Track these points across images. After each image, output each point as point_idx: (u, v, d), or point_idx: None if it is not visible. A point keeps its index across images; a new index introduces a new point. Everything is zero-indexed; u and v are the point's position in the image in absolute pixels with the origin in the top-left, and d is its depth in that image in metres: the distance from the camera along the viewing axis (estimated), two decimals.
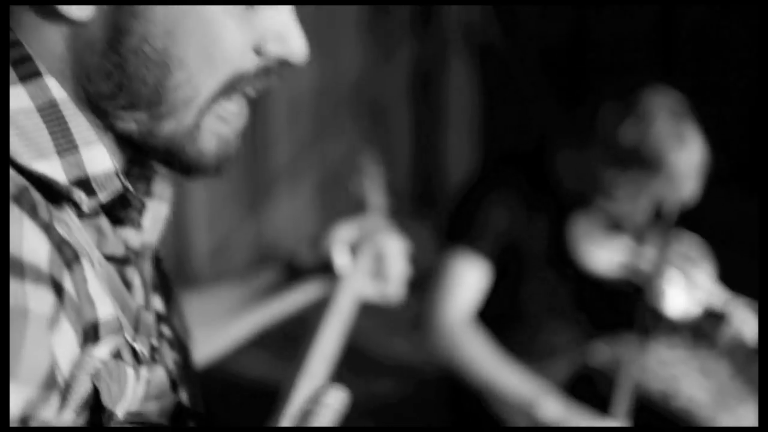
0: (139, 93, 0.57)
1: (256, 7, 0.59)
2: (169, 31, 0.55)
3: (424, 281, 1.63)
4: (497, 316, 1.75)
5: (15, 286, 0.46)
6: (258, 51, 0.61)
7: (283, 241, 3.92)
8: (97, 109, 0.58)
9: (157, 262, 0.72)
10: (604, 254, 1.74)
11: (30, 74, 0.55)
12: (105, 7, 0.55)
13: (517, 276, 1.74)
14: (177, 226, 3.62)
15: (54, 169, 0.55)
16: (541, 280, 1.75)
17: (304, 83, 4.00)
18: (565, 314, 1.78)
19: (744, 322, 1.67)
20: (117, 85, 0.57)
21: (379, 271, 1.08)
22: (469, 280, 1.67)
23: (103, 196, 0.58)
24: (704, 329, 1.72)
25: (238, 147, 0.66)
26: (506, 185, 1.73)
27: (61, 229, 0.53)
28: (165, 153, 0.62)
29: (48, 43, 0.56)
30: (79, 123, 0.56)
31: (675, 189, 1.63)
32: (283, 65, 0.64)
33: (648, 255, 1.74)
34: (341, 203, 4.67)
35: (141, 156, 0.64)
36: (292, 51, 0.63)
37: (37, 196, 0.53)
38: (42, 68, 0.56)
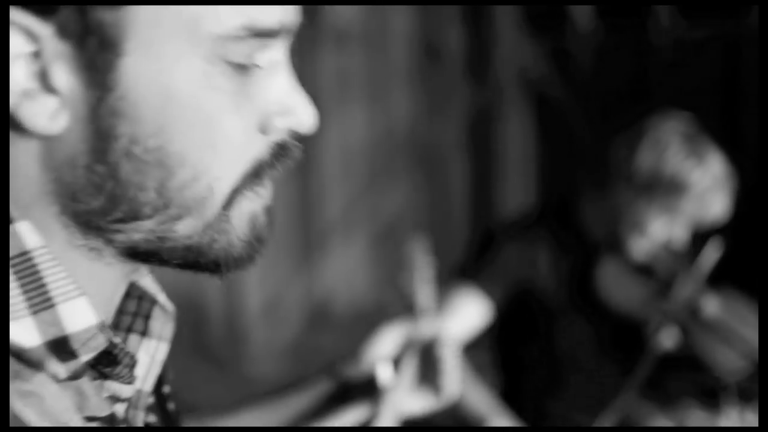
0: (138, 200, 0.49)
1: (253, 77, 0.50)
2: (160, 127, 0.47)
3: None
4: (530, 364, 1.76)
5: None
6: (264, 130, 0.52)
7: (335, 297, 3.84)
8: (90, 228, 0.50)
9: (161, 400, 0.63)
10: (634, 297, 1.72)
11: None
12: (80, 111, 0.47)
13: (543, 320, 1.73)
14: (228, 281, 3.57)
15: (27, 332, 0.47)
16: (568, 323, 1.73)
17: (356, 134, 3.96)
18: (597, 358, 1.75)
19: None
20: (110, 198, 0.49)
21: (428, 379, 0.97)
22: (464, 314, 1.68)
23: (85, 357, 0.50)
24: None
25: (269, 227, 0.56)
26: (528, 228, 1.75)
27: (27, 414, 0.46)
28: (186, 256, 0.53)
29: (20, 168, 0.48)
30: (56, 274, 0.49)
31: (705, 207, 1.62)
32: (295, 136, 0.55)
33: (680, 297, 1.70)
34: (396, 257, 4.59)
35: (153, 262, 0.55)
36: (300, 122, 0.54)
37: (41, 381, 0.47)
38: (14, 213, 0.48)
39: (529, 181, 4.69)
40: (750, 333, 1.69)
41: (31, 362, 0.47)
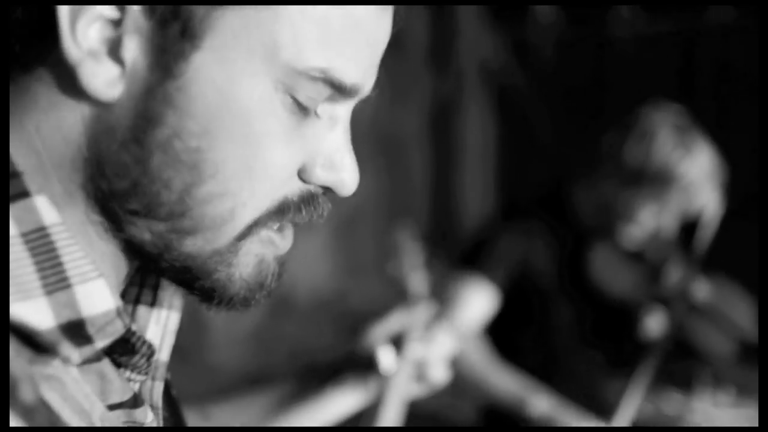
0: (159, 198, 0.47)
1: (311, 121, 0.50)
2: (206, 129, 0.46)
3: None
4: (521, 347, 1.76)
5: None
6: (303, 175, 0.51)
7: (297, 284, 3.84)
8: (106, 209, 0.48)
9: (167, 387, 0.60)
10: (625, 282, 1.74)
11: (16, 194, 0.45)
12: (136, 89, 0.46)
13: (538, 305, 1.75)
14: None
15: (39, 313, 0.44)
16: (561, 309, 1.75)
17: None
18: (587, 342, 1.77)
19: None
20: (133, 183, 0.47)
21: (419, 374, 0.98)
22: (475, 303, 1.69)
23: (101, 343, 0.47)
24: (749, 366, 1.70)
25: (277, 278, 0.54)
26: (523, 217, 1.75)
27: (51, 397, 0.43)
28: (182, 274, 0.51)
29: (63, 126, 0.47)
30: (73, 252, 0.46)
31: (692, 200, 1.63)
32: (327, 193, 0.54)
33: (672, 283, 1.72)
34: (358, 247, 4.63)
35: (152, 268, 0.53)
36: (342, 183, 0.53)
37: (16, 366, 0.43)
38: (33, 186, 0.46)
39: (489, 170, 4.72)
40: (739, 317, 1.72)
41: (43, 346, 0.44)
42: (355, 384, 0.92)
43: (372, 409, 0.92)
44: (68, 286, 0.45)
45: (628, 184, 1.63)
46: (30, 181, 0.46)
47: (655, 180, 1.60)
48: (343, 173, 0.53)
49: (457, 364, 1.63)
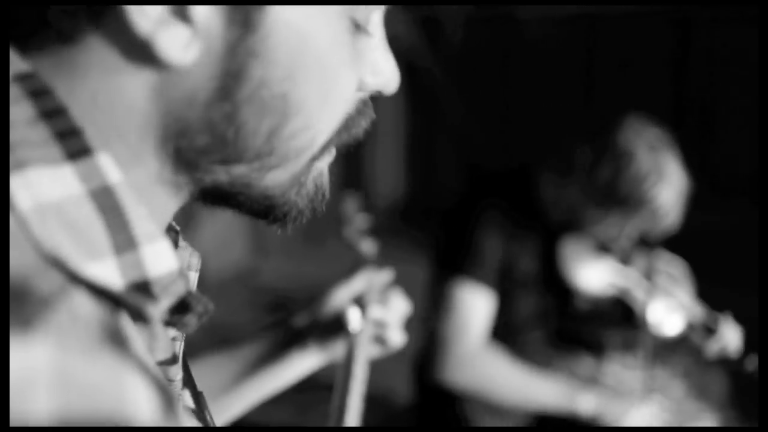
0: (246, 145, 0.47)
1: (360, 37, 0.50)
2: (290, 73, 0.46)
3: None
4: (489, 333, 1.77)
5: None
6: (359, 88, 0.52)
7: (209, 260, 3.79)
8: (184, 165, 0.48)
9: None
10: (592, 274, 1.78)
11: (79, 151, 0.44)
12: (215, 48, 0.45)
13: (508, 296, 1.75)
14: None
15: (109, 272, 0.44)
16: (530, 299, 1.77)
17: None
18: (552, 332, 1.81)
19: (730, 337, 1.74)
20: (219, 138, 0.47)
21: (378, 336, 1.03)
22: (478, 309, 1.69)
23: (166, 302, 0.46)
24: (692, 343, 1.77)
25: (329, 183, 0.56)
26: (494, 210, 1.73)
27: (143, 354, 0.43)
28: (260, 205, 0.52)
29: (125, 94, 0.45)
30: (139, 213, 0.45)
31: (658, 223, 1.64)
32: (374, 97, 0.55)
33: (634, 275, 1.79)
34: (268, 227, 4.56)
35: (224, 205, 0.53)
36: (388, 83, 0.54)
37: (129, 323, 0.43)
38: (94, 143, 0.44)
39: (399, 150, 4.76)
40: (685, 296, 1.81)
41: (118, 302, 0.44)
42: (318, 346, 0.98)
43: (344, 367, 0.96)
44: (135, 246, 0.45)
45: (596, 199, 1.63)
46: (92, 138, 0.44)
47: (623, 202, 1.61)
48: (388, 74, 0.54)
49: (492, 389, 1.68)
